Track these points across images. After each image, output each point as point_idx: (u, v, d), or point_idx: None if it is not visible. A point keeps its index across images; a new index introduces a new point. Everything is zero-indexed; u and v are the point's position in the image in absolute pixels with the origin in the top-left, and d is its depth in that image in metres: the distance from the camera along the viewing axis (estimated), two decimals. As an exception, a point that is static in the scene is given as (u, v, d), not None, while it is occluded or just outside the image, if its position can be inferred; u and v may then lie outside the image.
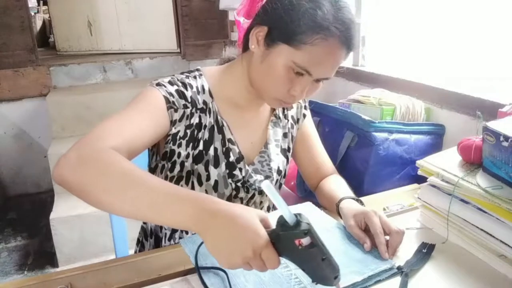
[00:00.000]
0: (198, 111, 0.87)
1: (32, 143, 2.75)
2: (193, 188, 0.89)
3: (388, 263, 0.72)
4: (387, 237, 0.76)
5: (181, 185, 0.90)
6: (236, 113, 0.91)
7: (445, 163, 0.84)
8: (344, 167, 1.28)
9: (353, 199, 0.88)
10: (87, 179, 0.63)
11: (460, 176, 0.78)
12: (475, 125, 1.18)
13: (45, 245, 2.22)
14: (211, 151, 0.88)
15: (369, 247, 0.76)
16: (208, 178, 0.88)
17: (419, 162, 0.88)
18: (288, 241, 0.55)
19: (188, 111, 0.85)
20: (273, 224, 0.58)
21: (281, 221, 0.56)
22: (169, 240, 0.95)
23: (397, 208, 0.94)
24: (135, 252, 1.05)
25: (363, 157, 1.26)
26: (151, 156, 0.94)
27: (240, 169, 0.90)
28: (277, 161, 0.96)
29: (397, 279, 0.70)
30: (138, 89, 0.83)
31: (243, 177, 0.91)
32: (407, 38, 1.72)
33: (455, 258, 0.76)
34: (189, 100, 0.85)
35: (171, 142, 0.86)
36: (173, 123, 0.83)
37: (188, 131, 0.86)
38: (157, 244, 0.98)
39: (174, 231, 0.95)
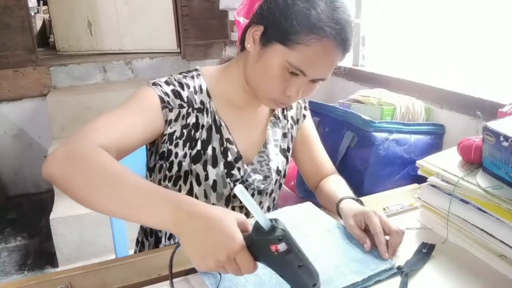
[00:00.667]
0: (195, 111, 0.87)
1: (32, 143, 2.75)
2: (191, 188, 0.89)
3: (388, 263, 0.72)
4: (387, 237, 0.76)
5: (180, 185, 0.90)
6: (234, 112, 0.91)
7: (445, 163, 0.84)
8: (344, 167, 1.28)
9: (353, 199, 0.88)
10: (71, 175, 0.64)
11: (460, 176, 0.78)
12: (475, 125, 1.19)
13: (45, 245, 2.22)
14: (209, 151, 0.88)
15: (369, 247, 0.75)
16: (206, 178, 0.88)
17: (419, 162, 0.88)
18: (262, 246, 0.54)
19: (184, 111, 0.85)
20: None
21: (257, 226, 0.55)
22: (169, 239, 0.95)
23: (397, 208, 0.94)
24: (135, 252, 1.05)
25: (363, 157, 1.26)
26: (149, 156, 0.94)
27: (239, 169, 0.90)
28: (276, 161, 0.96)
29: (397, 279, 0.70)
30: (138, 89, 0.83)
31: (242, 176, 0.91)
32: (407, 38, 1.72)
33: (455, 258, 0.76)
34: (185, 100, 0.85)
35: (168, 142, 0.86)
36: (168, 122, 0.83)
37: (185, 131, 0.86)
38: (157, 244, 0.98)
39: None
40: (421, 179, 0.90)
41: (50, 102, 2.52)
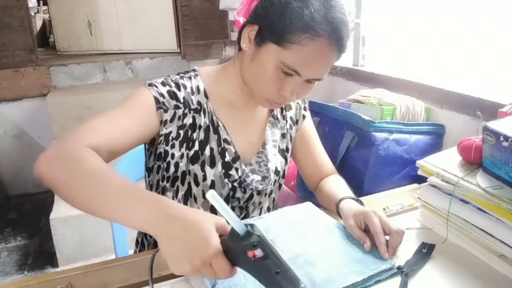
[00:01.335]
0: (192, 112, 0.86)
1: (32, 143, 2.75)
2: (190, 188, 0.89)
3: (388, 263, 0.72)
4: (387, 237, 0.76)
5: (177, 185, 0.90)
6: (232, 113, 0.91)
7: (445, 163, 0.84)
8: (344, 167, 1.28)
9: (353, 199, 0.88)
10: (58, 175, 0.64)
11: (460, 176, 0.78)
12: (475, 125, 1.18)
13: (45, 245, 2.22)
14: (207, 151, 0.88)
15: (369, 247, 0.75)
16: (204, 178, 0.88)
17: (419, 162, 0.88)
18: (238, 251, 0.54)
19: (180, 111, 0.85)
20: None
21: (233, 230, 0.54)
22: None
23: (397, 208, 0.94)
24: (135, 252, 1.05)
25: (363, 157, 1.26)
26: (148, 156, 0.94)
27: (236, 169, 0.90)
28: (275, 161, 0.96)
29: (397, 279, 0.70)
30: (138, 90, 0.83)
31: (240, 177, 0.91)
32: (407, 38, 1.72)
33: (455, 258, 0.76)
34: (182, 100, 0.85)
35: (164, 143, 0.86)
36: (163, 123, 0.83)
37: (181, 132, 0.86)
38: (157, 244, 0.98)
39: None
40: (421, 179, 0.90)
41: (50, 102, 2.52)
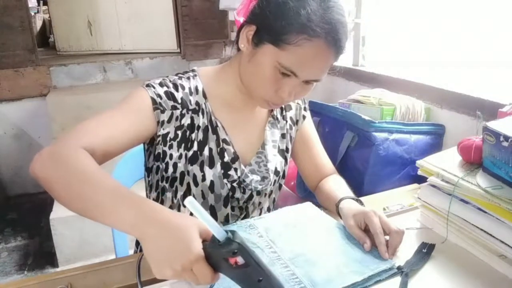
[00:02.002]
0: (190, 112, 0.86)
1: (32, 143, 2.75)
2: (189, 188, 0.89)
3: (388, 263, 0.72)
4: (387, 237, 0.76)
5: (176, 186, 0.90)
6: (231, 113, 0.91)
7: (445, 163, 0.84)
8: (344, 167, 1.28)
9: (353, 199, 0.88)
10: (50, 175, 0.65)
11: (460, 176, 0.78)
12: (475, 125, 1.19)
13: (45, 245, 2.22)
14: (206, 152, 0.88)
15: (369, 247, 0.75)
16: (203, 179, 0.88)
17: (419, 162, 0.88)
18: (218, 258, 0.53)
19: (177, 112, 0.85)
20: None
21: (213, 237, 0.54)
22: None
23: (397, 208, 0.94)
24: (135, 252, 1.05)
25: (363, 157, 1.26)
26: (147, 157, 0.94)
27: (235, 169, 0.90)
28: (275, 162, 0.96)
29: (397, 279, 0.70)
30: (138, 90, 0.83)
31: (239, 177, 0.90)
32: (407, 38, 1.72)
33: (455, 258, 0.76)
34: (179, 101, 0.85)
35: (162, 143, 0.86)
36: (160, 124, 0.83)
37: (179, 132, 0.86)
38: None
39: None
40: (421, 179, 0.90)
41: (50, 102, 2.51)
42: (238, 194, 0.92)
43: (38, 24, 4.09)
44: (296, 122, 1.03)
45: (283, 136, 0.99)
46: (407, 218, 0.90)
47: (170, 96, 0.84)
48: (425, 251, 0.77)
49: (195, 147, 0.87)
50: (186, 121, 0.86)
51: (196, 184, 0.88)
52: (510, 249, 0.70)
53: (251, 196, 0.94)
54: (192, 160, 0.87)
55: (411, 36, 1.70)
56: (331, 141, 1.29)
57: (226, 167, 0.89)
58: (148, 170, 0.95)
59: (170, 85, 0.85)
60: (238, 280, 0.54)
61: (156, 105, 0.82)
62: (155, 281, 0.71)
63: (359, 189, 1.20)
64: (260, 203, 0.98)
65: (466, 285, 0.69)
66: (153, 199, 0.96)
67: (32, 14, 3.66)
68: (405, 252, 0.76)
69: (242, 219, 0.95)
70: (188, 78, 0.89)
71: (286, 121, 1.00)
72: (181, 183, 0.89)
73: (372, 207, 0.81)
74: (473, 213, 0.76)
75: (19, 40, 2.58)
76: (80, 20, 3.15)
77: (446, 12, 1.50)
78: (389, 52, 1.87)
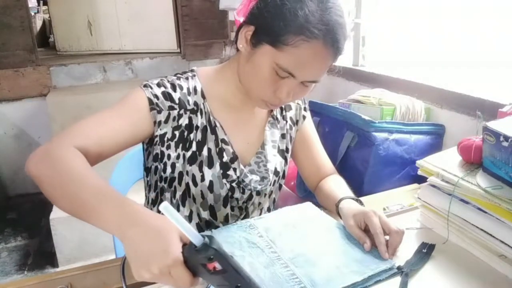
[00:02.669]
0: (188, 112, 0.86)
1: (32, 143, 2.75)
2: (188, 189, 0.89)
3: (388, 263, 0.72)
4: (387, 237, 0.76)
5: (175, 186, 0.90)
6: (230, 113, 0.91)
7: (445, 163, 0.84)
8: (344, 167, 1.28)
9: (353, 199, 0.88)
10: (43, 173, 0.66)
11: (460, 176, 0.78)
12: (475, 125, 1.18)
13: (45, 245, 2.22)
14: (205, 152, 0.88)
15: (369, 247, 0.75)
16: (202, 179, 0.88)
17: (419, 162, 0.88)
18: (195, 263, 0.53)
19: (174, 112, 0.85)
20: None
21: (191, 242, 0.53)
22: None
23: (397, 208, 0.94)
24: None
25: (363, 157, 1.26)
26: (146, 157, 0.94)
27: (235, 169, 0.90)
28: (274, 162, 0.96)
29: (397, 279, 0.70)
30: (138, 89, 0.83)
31: (238, 177, 0.90)
32: (407, 38, 1.72)
33: (455, 258, 0.76)
34: (177, 101, 0.85)
35: (160, 144, 0.86)
36: (157, 124, 0.83)
37: (177, 133, 0.86)
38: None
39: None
40: (421, 179, 0.90)
41: (50, 102, 2.51)
42: (237, 194, 0.92)
43: (38, 24, 4.08)
44: (296, 122, 1.02)
45: (283, 136, 0.99)
46: (407, 218, 0.90)
47: (167, 96, 0.84)
48: (425, 251, 0.77)
49: (193, 147, 0.87)
50: (183, 121, 0.86)
51: (195, 184, 0.88)
52: (510, 249, 0.70)
53: (250, 196, 0.94)
54: (191, 160, 0.87)
55: (411, 36, 1.70)
56: (331, 141, 1.29)
57: (225, 167, 0.89)
58: (147, 170, 0.95)
59: (168, 85, 0.85)
60: (216, 285, 0.54)
61: (153, 106, 0.82)
62: (143, 284, 0.70)
63: (359, 189, 1.20)
64: (260, 203, 0.98)
65: (466, 285, 0.69)
66: (152, 199, 0.96)
67: (32, 14, 3.66)
68: (405, 252, 0.76)
69: (242, 219, 0.95)
70: (187, 78, 0.89)
71: (286, 121, 1.00)
72: (180, 183, 0.89)
73: (372, 207, 0.81)
74: (473, 213, 0.76)
75: (19, 40, 2.58)
76: (80, 20, 3.14)
77: (446, 12, 1.50)
78: (389, 52, 1.87)
